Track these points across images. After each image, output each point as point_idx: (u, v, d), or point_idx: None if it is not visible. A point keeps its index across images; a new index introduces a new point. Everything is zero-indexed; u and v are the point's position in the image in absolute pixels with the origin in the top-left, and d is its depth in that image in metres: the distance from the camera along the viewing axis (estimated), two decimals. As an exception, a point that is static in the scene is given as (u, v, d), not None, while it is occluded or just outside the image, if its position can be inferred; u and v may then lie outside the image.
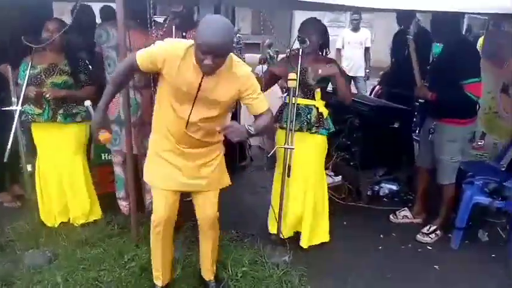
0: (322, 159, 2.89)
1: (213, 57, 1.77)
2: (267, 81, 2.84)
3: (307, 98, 2.73)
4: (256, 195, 3.87)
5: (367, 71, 6.20)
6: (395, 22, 4.46)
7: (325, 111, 2.76)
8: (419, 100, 3.21)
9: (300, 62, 2.54)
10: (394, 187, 3.96)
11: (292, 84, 2.48)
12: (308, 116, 2.73)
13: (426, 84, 3.06)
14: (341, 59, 6.21)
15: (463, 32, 8.33)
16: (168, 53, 1.90)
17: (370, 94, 5.68)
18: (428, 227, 3.21)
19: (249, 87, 1.99)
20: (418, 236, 3.18)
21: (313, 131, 2.74)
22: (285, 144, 2.59)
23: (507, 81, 3.79)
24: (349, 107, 3.90)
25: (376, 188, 3.89)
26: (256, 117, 2.07)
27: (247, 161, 4.65)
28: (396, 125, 3.76)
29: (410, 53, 3.06)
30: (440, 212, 3.21)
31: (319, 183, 2.89)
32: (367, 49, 6.14)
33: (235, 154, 4.39)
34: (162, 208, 2.14)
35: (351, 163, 3.93)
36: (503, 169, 3.49)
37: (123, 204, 3.19)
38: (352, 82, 6.32)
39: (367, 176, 3.92)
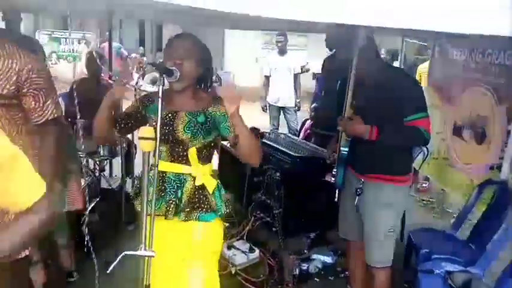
0: (207, 262, 1.78)
1: None
2: None
3: (178, 162, 1.71)
4: None
5: (298, 100, 5.36)
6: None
7: (210, 183, 1.73)
8: (341, 148, 2.20)
9: (161, 105, 1.49)
10: (328, 259, 3.03)
11: (146, 147, 1.41)
12: (179, 192, 1.70)
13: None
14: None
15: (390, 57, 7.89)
16: None
17: (301, 129, 4.81)
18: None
19: None
20: None
21: (184, 218, 1.70)
22: (140, 247, 1.50)
23: (461, 121, 3.05)
24: (269, 155, 2.98)
25: (305, 265, 2.91)
26: None
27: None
28: (329, 178, 2.85)
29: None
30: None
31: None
32: (296, 76, 5.31)
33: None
34: None
35: (273, 228, 2.97)
36: (464, 239, 2.69)
37: None
38: (282, 114, 5.47)
39: (294, 245, 2.96)
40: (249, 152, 1.65)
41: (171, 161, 1.70)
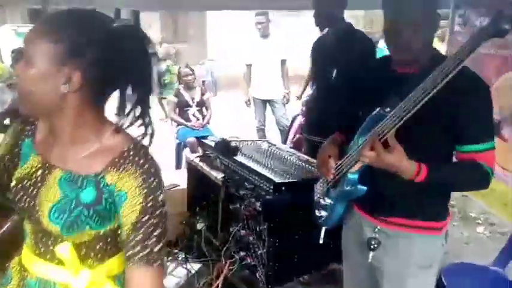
0: None
1: None
2: None
3: (44, 259, 0.92)
4: None
5: (286, 92, 4.56)
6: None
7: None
8: (348, 174, 1.36)
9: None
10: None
11: None
12: None
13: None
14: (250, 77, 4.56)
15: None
16: None
17: (291, 126, 4.05)
18: None
19: None
20: None
21: None
22: None
23: (499, 115, 2.29)
24: (245, 179, 2.23)
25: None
26: None
27: None
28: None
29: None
30: None
31: None
32: (283, 62, 4.50)
33: None
34: None
35: (256, 273, 2.23)
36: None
37: None
38: (268, 107, 4.68)
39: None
40: None
41: (36, 254, 0.93)
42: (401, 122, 1.19)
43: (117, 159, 0.88)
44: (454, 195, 3.81)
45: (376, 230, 1.43)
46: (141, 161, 0.88)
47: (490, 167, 1.27)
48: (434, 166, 1.26)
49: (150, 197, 0.86)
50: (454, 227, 3.48)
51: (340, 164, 1.44)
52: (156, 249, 0.86)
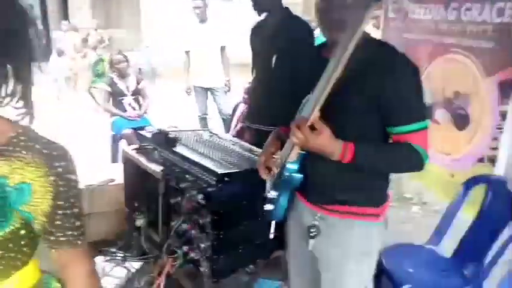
0: None
1: None
2: None
3: None
4: None
5: (227, 79, 4.47)
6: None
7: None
8: (287, 165, 1.32)
9: None
10: (277, 293, 2.29)
11: None
12: None
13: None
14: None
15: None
16: None
17: (233, 114, 3.97)
18: None
19: None
20: None
21: None
22: None
23: (431, 100, 2.38)
24: (186, 171, 2.14)
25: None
26: None
27: None
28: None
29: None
30: None
31: None
32: (223, 48, 4.39)
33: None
34: None
35: (201, 268, 2.15)
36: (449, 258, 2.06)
37: None
38: (210, 95, 4.56)
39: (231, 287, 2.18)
40: None
41: None
42: (321, 101, 1.15)
43: (5, 147, 0.75)
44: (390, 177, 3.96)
45: (316, 217, 1.41)
46: (38, 146, 0.78)
47: (423, 148, 1.25)
48: (361, 145, 1.23)
49: (61, 182, 0.80)
50: (390, 207, 3.64)
51: (280, 154, 1.40)
52: (77, 231, 0.85)
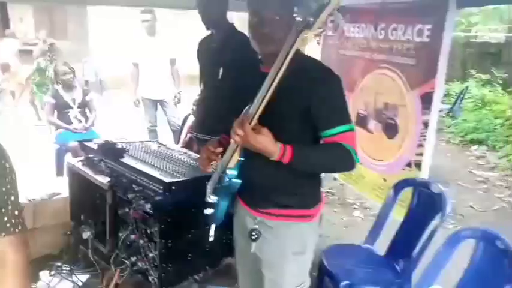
0: None
1: None
2: None
3: None
4: None
5: (178, 91, 4.51)
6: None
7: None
8: (227, 171, 1.44)
9: None
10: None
11: None
12: None
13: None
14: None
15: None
16: None
17: (183, 126, 4.02)
18: None
19: None
20: None
21: None
22: None
23: (365, 111, 2.59)
24: (133, 182, 2.16)
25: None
26: None
27: None
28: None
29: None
30: None
31: None
32: (172, 61, 4.44)
33: None
34: None
35: (149, 277, 2.17)
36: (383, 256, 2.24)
37: None
38: (159, 107, 4.58)
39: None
40: None
41: None
42: (260, 109, 1.28)
43: None
44: (333, 183, 4.16)
45: (256, 221, 1.52)
46: None
47: (351, 146, 1.38)
48: (298, 146, 1.35)
49: None
50: (334, 213, 3.84)
51: (221, 160, 1.50)
52: (14, 219, 0.88)
